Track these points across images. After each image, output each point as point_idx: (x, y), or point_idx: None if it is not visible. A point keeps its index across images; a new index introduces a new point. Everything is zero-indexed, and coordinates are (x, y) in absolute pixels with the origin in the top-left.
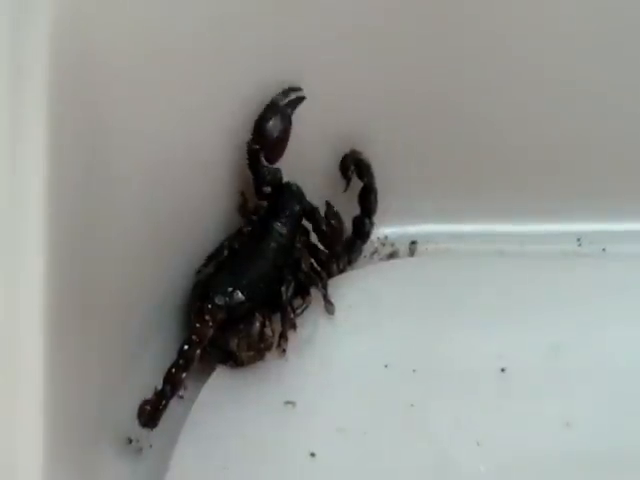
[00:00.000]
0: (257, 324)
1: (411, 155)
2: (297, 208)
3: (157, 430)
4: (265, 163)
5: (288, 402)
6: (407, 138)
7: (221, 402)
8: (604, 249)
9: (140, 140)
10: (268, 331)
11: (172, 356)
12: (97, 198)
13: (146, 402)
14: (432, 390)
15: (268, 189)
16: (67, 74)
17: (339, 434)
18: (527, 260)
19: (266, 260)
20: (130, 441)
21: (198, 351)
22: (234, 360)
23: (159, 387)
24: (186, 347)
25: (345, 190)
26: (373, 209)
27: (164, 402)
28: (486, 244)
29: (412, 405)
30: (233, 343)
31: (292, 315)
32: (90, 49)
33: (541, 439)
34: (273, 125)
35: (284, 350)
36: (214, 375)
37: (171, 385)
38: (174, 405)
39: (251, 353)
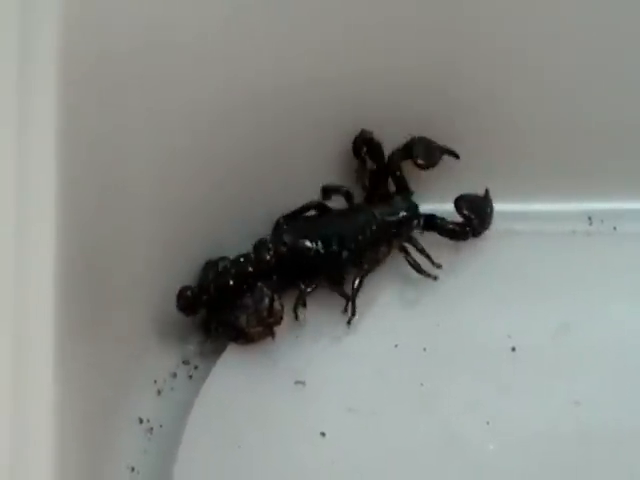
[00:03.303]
0: (266, 299)
1: (416, 132)
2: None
3: (167, 409)
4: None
5: (298, 382)
6: (414, 121)
7: (231, 382)
8: (615, 228)
9: (151, 137)
10: (277, 305)
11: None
12: (108, 198)
13: (188, 288)
14: (442, 369)
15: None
16: (79, 72)
17: (349, 413)
18: (538, 239)
19: (349, 231)
20: (141, 421)
21: (250, 268)
22: (244, 337)
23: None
24: (241, 259)
25: (360, 172)
26: (385, 189)
27: (205, 297)
28: (497, 223)
29: (422, 384)
30: (242, 319)
31: (303, 292)
32: (102, 47)
33: (550, 418)
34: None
35: (297, 317)
36: (224, 355)
37: (215, 286)
38: (184, 384)
39: (260, 329)
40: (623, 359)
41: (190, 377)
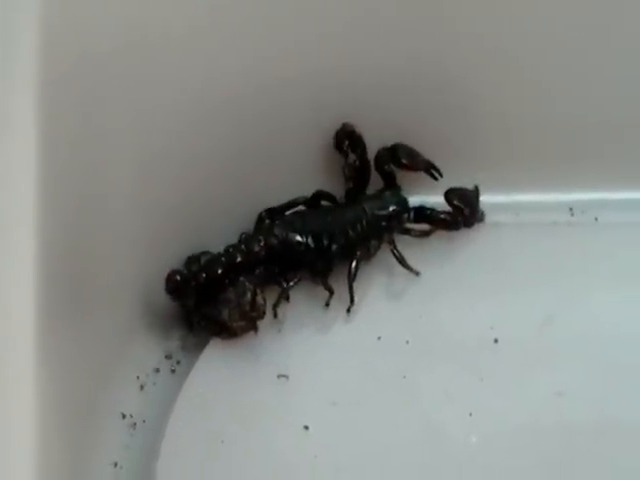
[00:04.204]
0: (249, 293)
1: (405, 126)
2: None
3: (150, 405)
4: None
5: (281, 375)
6: (398, 111)
7: (214, 376)
8: (596, 218)
9: (133, 137)
10: (259, 299)
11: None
12: (90, 196)
13: (177, 271)
14: (425, 361)
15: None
16: (58, 72)
17: (332, 407)
18: (520, 230)
19: (339, 226)
20: (124, 416)
21: (240, 258)
22: (227, 331)
23: (195, 267)
24: (231, 249)
25: (344, 166)
26: (367, 181)
27: (193, 282)
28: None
29: (405, 377)
30: (225, 313)
31: (285, 286)
32: (82, 48)
33: (533, 409)
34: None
35: (276, 315)
36: (207, 349)
37: (206, 272)
38: (167, 379)
39: (243, 323)
40: (605, 350)
41: (173, 372)
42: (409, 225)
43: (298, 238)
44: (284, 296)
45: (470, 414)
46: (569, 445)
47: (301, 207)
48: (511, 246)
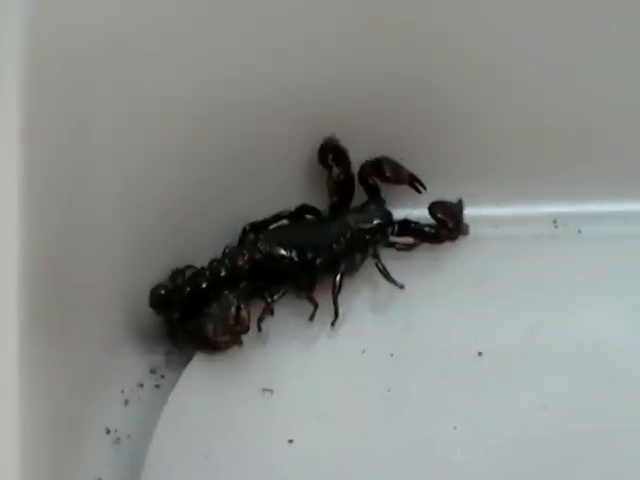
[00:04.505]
0: (233, 307)
1: (387, 140)
2: (375, 224)
3: (134, 420)
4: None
5: (266, 389)
6: (381, 125)
7: (199, 391)
8: (580, 230)
9: (117, 147)
10: (244, 313)
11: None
12: (74, 207)
13: (161, 286)
14: (409, 374)
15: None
16: (43, 81)
17: (317, 420)
18: (504, 243)
19: (324, 240)
20: (108, 431)
21: (224, 272)
22: (211, 346)
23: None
24: (215, 263)
25: (328, 179)
26: (351, 195)
27: (177, 296)
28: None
29: (389, 390)
30: (209, 328)
31: (270, 300)
32: (67, 56)
33: (518, 422)
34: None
35: (260, 329)
36: (191, 363)
37: (191, 287)
38: (151, 394)
39: (227, 337)
40: (589, 362)
41: (157, 387)
42: (393, 239)
43: (282, 252)
44: (268, 310)
45: (455, 427)
46: (554, 457)
47: (285, 221)
48: (495, 259)
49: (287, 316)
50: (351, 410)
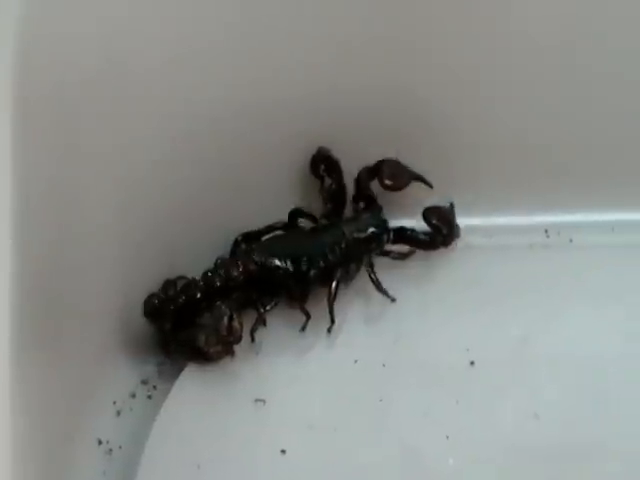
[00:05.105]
0: (225, 318)
1: (378, 150)
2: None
3: (127, 430)
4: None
5: (258, 400)
6: (375, 135)
7: (191, 401)
8: (571, 240)
9: (114, 150)
10: (236, 324)
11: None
12: (66, 220)
13: (155, 295)
14: (401, 384)
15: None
16: (34, 100)
17: (309, 431)
18: (496, 253)
19: (318, 250)
20: (100, 442)
21: (218, 283)
22: (203, 356)
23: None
24: (209, 274)
25: (320, 190)
26: (343, 205)
27: (171, 306)
28: None
29: (381, 400)
30: (201, 338)
31: (262, 311)
32: (58, 75)
33: (510, 431)
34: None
35: (253, 340)
36: (183, 374)
37: (185, 297)
38: (143, 405)
39: (219, 348)
40: (581, 371)
41: (149, 397)
42: (389, 247)
43: (277, 263)
44: (261, 320)
45: (447, 437)
46: (546, 467)
47: (278, 232)
48: (487, 268)
49: (279, 326)
50: (343, 420)
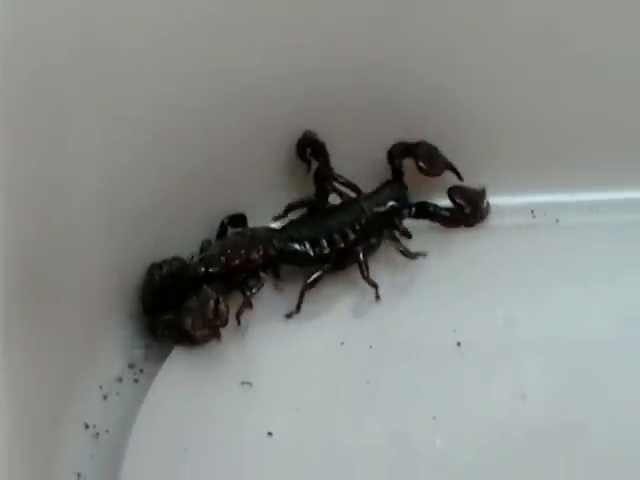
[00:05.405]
0: (211, 301)
1: (365, 131)
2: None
3: (113, 414)
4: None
5: (245, 382)
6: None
7: (178, 385)
8: (557, 220)
9: (98, 138)
10: (222, 307)
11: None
12: (51, 205)
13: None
14: (388, 366)
15: None
16: (15, 83)
17: (296, 413)
18: (482, 233)
19: (337, 228)
20: (87, 426)
21: (238, 261)
22: (190, 340)
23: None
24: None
25: (307, 173)
26: (329, 188)
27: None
28: None
29: (368, 382)
30: (188, 322)
31: (249, 293)
32: (38, 62)
33: (497, 412)
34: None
35: (239, 323)
36: (170, 358)
37: (206, 267)
38: (130, 389)
39: (206, 331)
40: (568, 351)
41: (136, 381)
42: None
43: (297, 247)
44: (247, 304)
45: (434, 417)
46: (533, 447)
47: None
48: (473, 249)
49: (266, 309)
50: (330, 402)
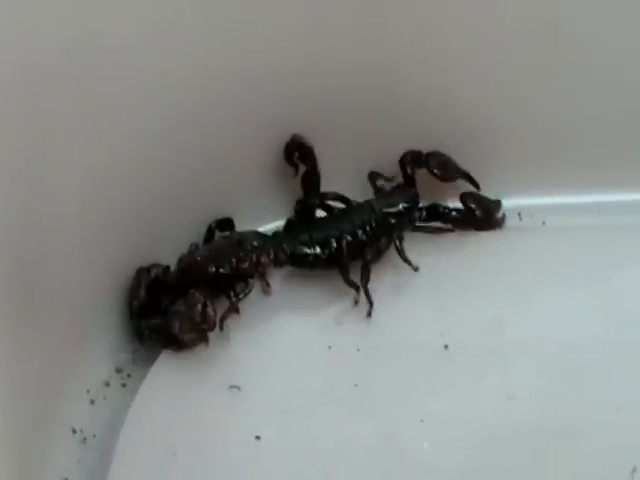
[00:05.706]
0: (199, 305)
1: (354, 135)
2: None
3: (101, 419)
4: None
5: (233, 386)
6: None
7: (165, 389)
8: (544, 222)
9: (83, 146)
10: (210, 311)
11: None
12: (37, 208)
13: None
14: (375, 369)
15: None
16: (5, 70)
17: (284, 416)
18: (469, 236)
19: (347, 230)
20: (74, 431)
21: (248, 264)
22: (177, 343)
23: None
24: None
25: (295, 176)
26: (317, 192)
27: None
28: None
29: (355, 385)
30: (175, 326)
31: (235, 299)
32: (25, 59)
33: (485, 413)
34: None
35: (222, 329)
36: (158, 362)
37: (216, 266)
38: (117, 393)
39: (194, 335)
40: (555, 353)
41: (123, 385)
42: (420, 224)
43: (306, 250)
44: (233, 309)
45: (422, 420)
46: (521, 449)
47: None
48: (460, 251)
49: (253, 313)
50: (318, 405)
